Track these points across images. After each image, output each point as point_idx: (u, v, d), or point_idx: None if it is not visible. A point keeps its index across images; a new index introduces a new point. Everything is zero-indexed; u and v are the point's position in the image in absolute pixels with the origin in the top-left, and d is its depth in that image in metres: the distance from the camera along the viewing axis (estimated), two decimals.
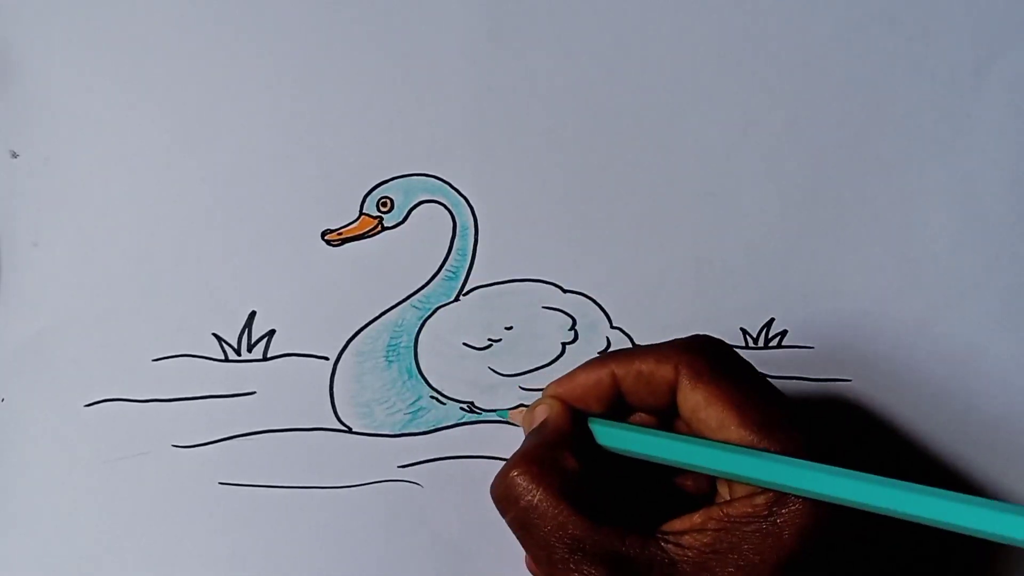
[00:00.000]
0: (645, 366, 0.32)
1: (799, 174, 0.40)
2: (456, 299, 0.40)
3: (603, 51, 0.40)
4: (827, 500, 0.28)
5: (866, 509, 0.28)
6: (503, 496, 0.31)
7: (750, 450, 0.29)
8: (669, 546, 0.29)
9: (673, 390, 0.31)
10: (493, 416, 0.40)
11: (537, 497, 0.30)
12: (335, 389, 0.39)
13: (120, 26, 0.40)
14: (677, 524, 0.30)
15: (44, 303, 0.40)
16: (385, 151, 0.40)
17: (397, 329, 0.40)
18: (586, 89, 0.40)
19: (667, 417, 0.33)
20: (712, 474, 0.30)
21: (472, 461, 0.40)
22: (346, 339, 0.40)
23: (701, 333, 0.33)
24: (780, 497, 0.29)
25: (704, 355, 0.31)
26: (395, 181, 0.40)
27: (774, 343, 0.40)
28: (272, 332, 0.39)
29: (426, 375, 0.40)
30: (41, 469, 0.39)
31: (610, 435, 0.32)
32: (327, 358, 0.39)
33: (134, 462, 0.39)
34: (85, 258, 0.40)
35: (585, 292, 0.40)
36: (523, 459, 0.31)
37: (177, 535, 0.39)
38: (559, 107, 0.40)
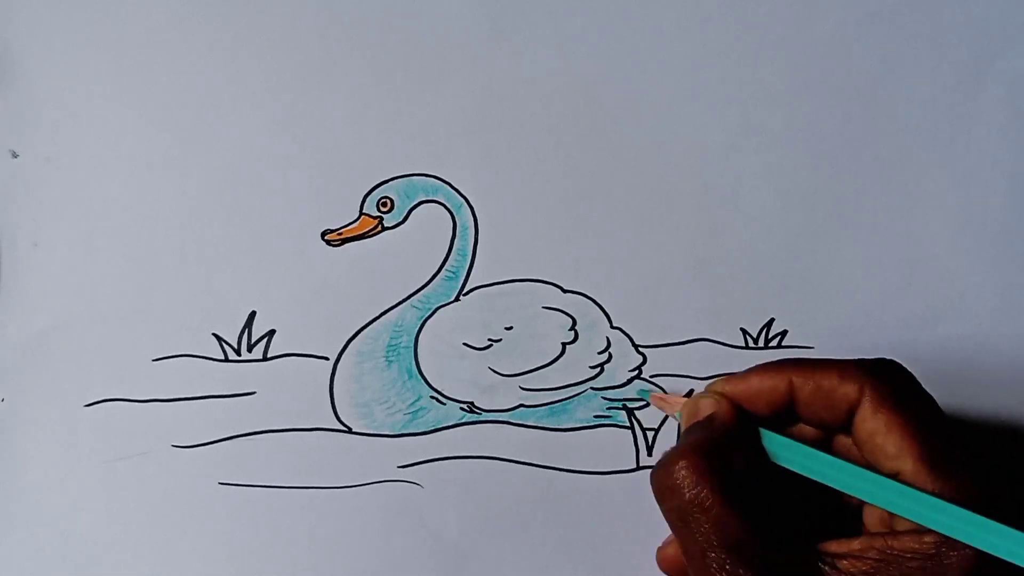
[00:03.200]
0: (827, 381, 0.31)
1: (799, 174, 0.40)
2: (456, 299, 0.40)
3: (603, 51, 0.40)
4: (993, 553, 0.28)
5: None
6: (665, 487, 0.30)
7: (926, 494, 0.29)
8: (825, 567, 0.29)
9: (852, 410, 0.31)
10: (493, 416, 0.40)
11: (703, 493, 0.29)
12: (335, 389, 0.39)
13: (120, 26, 0.40)
14: (835, 546, 0.30)
15: (44, 303, 0.40)
16: (385, 151, 0.40)
17: (397, 329, 0.40)
18: (586, 89, 0.40)
19: (831, 433, 0.33)
20: (882, 506, 0.30)
21: (472, 461, 0.39)
22: (346, 339, 0.40)
23: (885, 358, 0.32)
24: (950, 539, 0.28)
25: (891, 380, 0.31)
26: (395, 181, 0.40)
27: (774, 343, 0.40)
28: (272, 332, 0.39)
29: (426, 375, 0.40)
30: (41, 469, 0.39)
31: (783, 447, 0.32)
32: (327, 358, 0.39)
33: (134, 462, 0.39)
34: (85, 258, 0.40)
35: (585, 292, 0.40)
36: (692, 451, 0.30)
37: (177, 535, 0.39)
38: (559, 107, 0.40)
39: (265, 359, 0.39)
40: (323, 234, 0.40)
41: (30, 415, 0.39)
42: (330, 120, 0.40)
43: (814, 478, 0.31)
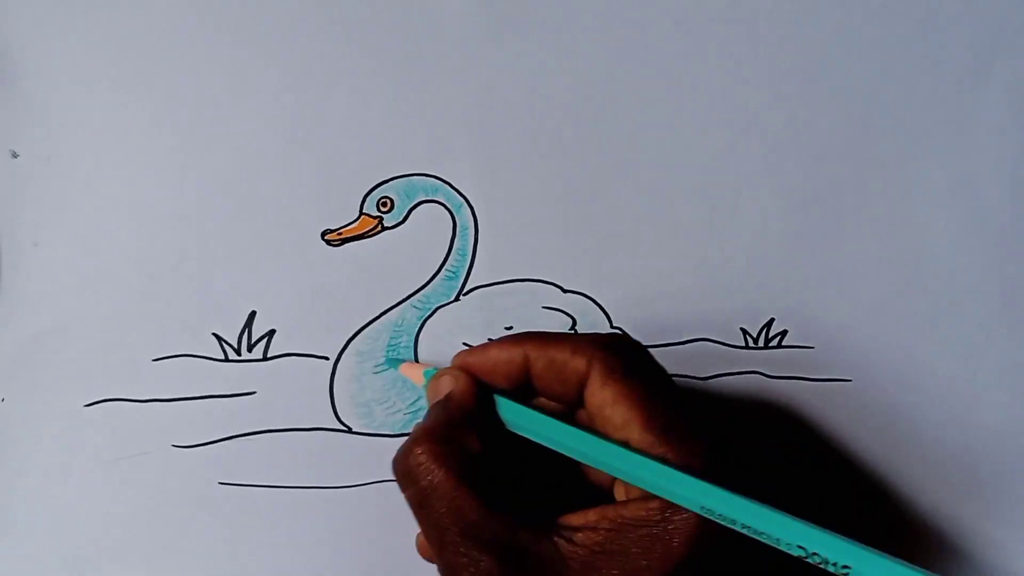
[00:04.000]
0: (560, 354, 0.32)
1: (799, 174, 0.40)
2: (456, 299, 0.40)
3: (603, 51, 0.40)
4: (711, 517, 0.28)
5: (747, 533, 0.28)
6: (404, 473, 0.31)
7: (646, 455, 0.29)
8: (561, 541, 0.29)
9: (583, 383, 0.31)
10: None
11: (437, 478, 0.30)
12: (335, 389, 0.39)
13: (120, 26, 0.40)
14: (573, 519, 0.30)
15: (44, 303, 0.40)
16: (385, 151, 0.40)
17: (397, 329, 0.40)
18: (586, 89, 0.40)
19: (571, 408, 0.33)
20: (610, 472, 0.30)
21: None
22: (346, 339, 0.40)
23: (618, 333, 0.33)
24: (673, 504, 0.29)
25: (620, 354, 0.31)
26: (395, 181, 0.40)
27: (774, 343, 0.40)
28: (272, 332, 0.39)
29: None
30: (41, 469, 0.39)
31: (516, 415, 0.32)
32: (327, 358, 0.39)
33: (134, 462, 0.39)
34: (85, 258, 0.40)
35: (585, 292, 0.40)
36: (426, 436, 0.31)
37: (177, 535, 0.39)
38: (559, 107, 0.40)
39: (265, 359, 0.39)
40: (323, 234, 0.40)
41: (30, 415, 0.39)
42: (330, 120, 0.40)
43: (546, 444, 0.31)
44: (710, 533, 0.29)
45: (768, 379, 0.40)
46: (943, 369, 0.40)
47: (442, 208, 0.40)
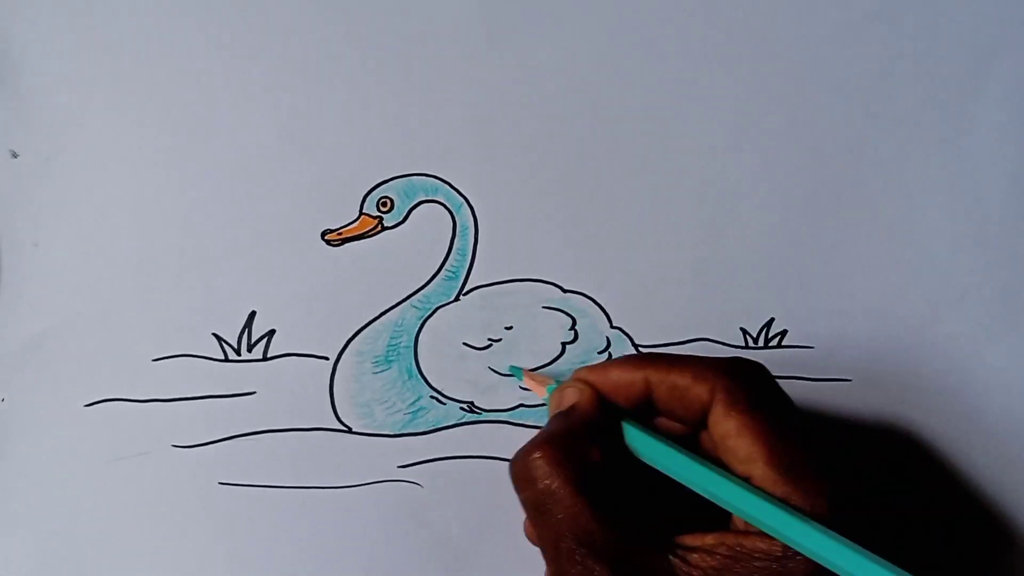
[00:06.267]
0: (681, 380, 0.31)
1: (799, 174, 0.40)
2: (456, 299, 0.40)
3: (603, 51, 0.40)
4: (831, 568, 0.28)
5: None
6: (521, 476, 0.31)
7: (769, 498, 0.29)
8: (676, 560, 0.29)
9: (706, 409, 0.31)
10: (493, 416, 0.40)
11: (556, 484, 0.30)
12: (335, 389, 0.39)
13: (120, 26, 0.40)
14: (689, 539, 0.30)
15: (44, 303, 0.40)
16: (385, 151, 0.40)
17: (397, 329, 0.40)
18: (586, 89, 0.40)
19: (695, 428, 0.33)
20: (733, 512, 0.30)
21: (472, 461, 0.40)
22: (346, 339, 0.40)
23: (743, 357, 0.32)
24: None
25: (743, 382, 0.31)
26: (395, 181, 0.40)
27: (774, 343, 0.40)
28: (272, 332, 0.39)
29: (426, 375, 0.40)
30: (41, 469, 0.39)
31: (644, 444, 0.32)
32: (327, 358, 0.39)
33: (134, 462, 0.39)
34: (85, 258, 0.40)
35: (585, 292, 0.40)
36: (548, 442, 0.31)
37: (177, 535, 0.39)
38: (559, 107, 0.40)
39: (265, 359, 0.39)
40: (323, 234, 0.40)
41: (30, 415, 0.39)
42: (330, 120, 0.40)
43: (671, 475, 0.31)
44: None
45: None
46: (943, 369, 0.40)
47: (442, 208, 0.40)
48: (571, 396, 0.33)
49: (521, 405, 0.39)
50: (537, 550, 0.31)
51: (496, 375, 0.40)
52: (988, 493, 0.40)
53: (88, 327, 0.39)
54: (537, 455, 0.30)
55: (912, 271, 0.40)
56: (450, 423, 0.40)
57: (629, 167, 0.40)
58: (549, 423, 0.33)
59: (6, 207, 0.40)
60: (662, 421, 0.34)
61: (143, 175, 0.40)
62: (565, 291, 0.40)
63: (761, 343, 0.40)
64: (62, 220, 0.40)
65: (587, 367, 0.34)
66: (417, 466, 0.39)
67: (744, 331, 0.40)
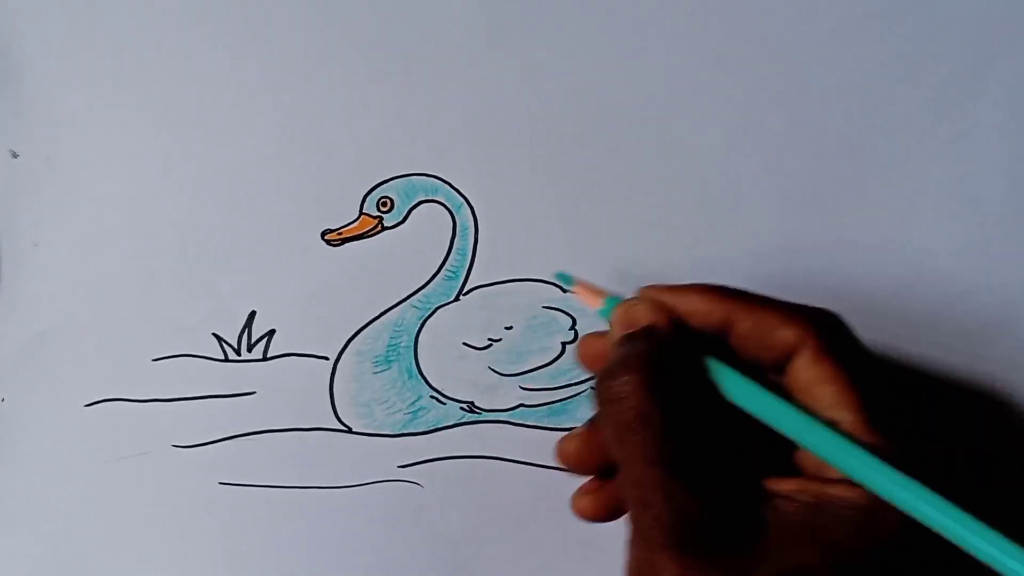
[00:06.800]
0: (769, 321, 0.30)
1: (799, 174, 0.40)
2: (456, 299, 0.40)
3: (603, 51, 0.40)
4: (918, 519, 0.27)
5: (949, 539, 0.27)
6: (608, 399, 0.29)
7: (864, 452, 0.28)
8: (761, 503, 0.28)
9: (789, 354, 0.30)
10: (493, 416, 0.40)
11: (646, 409, 0.28)
12: (335, 389, 0.39)
13: (120, 26, 0.40)
14: (771, 484, 0.29)
15: (44, 303, 0.40)
16: (385, 151, 0.40)
17: (397, 329, 0.40)
18: (586, 89, 0.40)
19: (767, 372, 0.31)
20: (823, 458, 0.29)
21: (472, 461, 0.39)
22: (346, 339, 0.40)
23: (821, 307, 0.31)
24: None
25: (833, 330, 0.30)
26: (395, 181, 0.40)
27: None
28: (272, 332, 0.39)
29: (426, 375, 0.40)
30: (41, 469, 0.39)
31: (734, 385, 0.30)
32: (327, 358, 0.39)
33: (134, 462, 0.39)
34: (85, 258, 0.40)
35: None
36: (637, 363, 0.29)
37: (177, 535, 0.39)
38: (559, 107, 0.40)
39: (265, 359, 0.39)
40: (323, 234, 0.40)
41: (30, 415, 0.39)
42: (330, 120, 0.40)
43: (758, 417, 0.30)
44: (914, 530, 0.27)
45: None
46: (943, 369, 0.40)
47: (442, 208, 0.40)
48: (644, 315, 0.31)
49: (521, 405, 0.39)
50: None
51: (496, 375, 0.40)
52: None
53: (88, 327, 0.39)
54: (625, 378, 0.29)
55: (912, 271, 0.40)
56: (450, 423, 0.40)
57: (629, 167, 0.40)
58: (624, 342, 0.31)
59: (6, 207, 0.40)
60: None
61: (143, 175, 0.40)
62: (565, 291, 0.40)
63: None
64: (62, 220, 0.40)
65: (657, 286, 0.32)
66: (417, 466, 0.39)
67: None
